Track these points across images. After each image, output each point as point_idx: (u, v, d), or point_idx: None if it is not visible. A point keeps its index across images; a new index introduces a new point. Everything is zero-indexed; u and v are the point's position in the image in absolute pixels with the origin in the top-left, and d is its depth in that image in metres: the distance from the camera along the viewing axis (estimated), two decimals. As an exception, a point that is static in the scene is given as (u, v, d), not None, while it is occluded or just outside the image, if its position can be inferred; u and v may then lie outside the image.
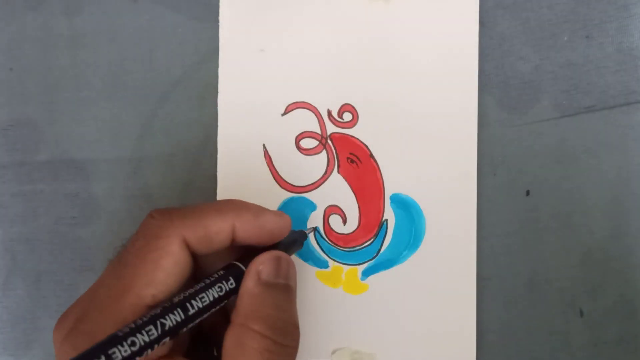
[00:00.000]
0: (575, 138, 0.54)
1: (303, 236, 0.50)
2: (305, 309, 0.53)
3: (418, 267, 0.52)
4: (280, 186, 0.53)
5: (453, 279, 0.53)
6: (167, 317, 0.38)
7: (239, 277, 0.42)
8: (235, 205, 0.44)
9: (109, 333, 0.36)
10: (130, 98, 0.53)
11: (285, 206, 0.53)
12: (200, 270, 0.44)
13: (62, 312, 0.50)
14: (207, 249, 0.42)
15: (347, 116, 0.53)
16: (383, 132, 0.53)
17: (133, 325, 0.37)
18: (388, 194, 0.53)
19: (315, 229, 0.53)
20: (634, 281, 0.54)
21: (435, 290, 0.53)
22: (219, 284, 0.41)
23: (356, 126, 0.53)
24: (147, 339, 0.37)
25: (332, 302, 0.53)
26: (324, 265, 0.53)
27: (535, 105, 0.53)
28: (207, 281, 0.41)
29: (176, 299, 0.39)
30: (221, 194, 0.52)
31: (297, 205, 0.53)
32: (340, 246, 0.53)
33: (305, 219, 0.53)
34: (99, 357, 0.34)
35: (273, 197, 0.53)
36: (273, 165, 0.53)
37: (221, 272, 0.42)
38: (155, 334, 0.37)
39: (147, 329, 0.37)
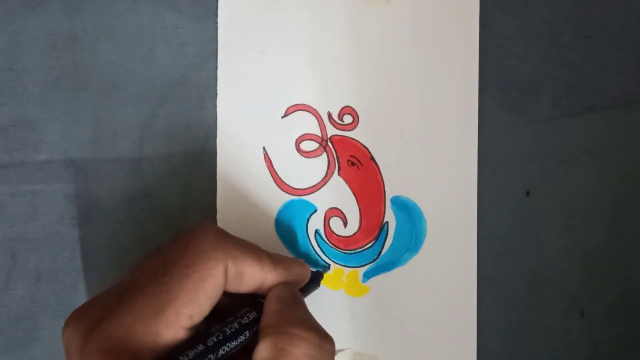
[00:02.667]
0: (575, 138, 0.54)
1: (320, 276, 0.51)
2: (307, 312, 0.53)
3: (419, 269, 0.53)
4: (281, 189, 0.53)
5: (454, 280, 0.53)
6: (217, 350, 0.40)
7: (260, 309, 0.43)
8: (272, 258, 0.44)
9: (141, 344, 0.37)
10: (130, 98, 0.53)
11: (285, 209, 0.53)
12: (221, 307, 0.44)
13: (62, 312, 0.51)
14: (235, 288, 0.43)
15: (348, 118, 0.53)
16: (383, 135, 0.53)
17: (193, 355, 0.38)
18: (389, 196, 0.53)
19: (328, 267, 0.53)
20: (634, 281, 0.54)
21: (436, 292, 0.53)
22: (244, 317, 0.42)
23: (357, 128, 0.53)
24: None
25: (334, 304, 0.53)
26: (325, 267, 0.53)
27: (535, 105, 0.53)
28: (240, 316, 0.42)
29: (220, 336, 0.41)
30: (221, 197, 0.52)
31: (297, 207, 0.53)
32: (341, 248, 0.53)
33: (305, 222, 0.53)
34: None
35: (273, 200, 0.53)
36: (273, 168, 0.53)
37: (247, 307, 0.43)
38: None
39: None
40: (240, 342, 0.41)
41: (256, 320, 0.42)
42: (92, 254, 0.53)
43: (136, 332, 0.38)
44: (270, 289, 0.44)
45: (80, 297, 0.53)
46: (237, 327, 0.41)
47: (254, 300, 0.44)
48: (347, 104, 0.53)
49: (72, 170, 0.53)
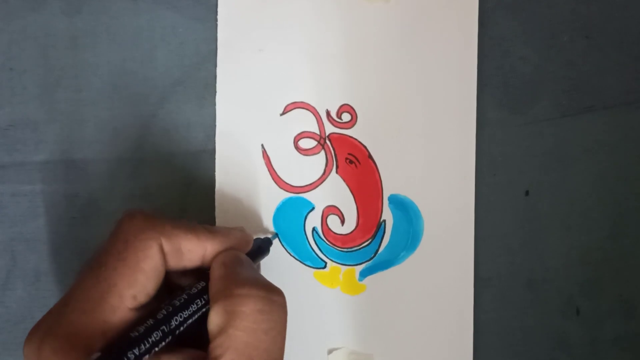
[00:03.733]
0: (575, 138, 0.53)
1: (267, 243, 0.51)
2: (303, 309, 0.53)
3: (416, 268, 0.53)
4: (279, 186, 0.53)
5: (451, 279, 0.53)
6: (169, 322, 0.40)
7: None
8: (208, 230, 0.45)
9: (92, 334, 0.38)
10: (130, 98, 0.53)
11: (283, 206, 0.53)
12: (170, 285, 0.45)
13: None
14: (176, 263, 0.43)
15: (346, 116, 0.53)
16: (382, 133, 0.53)
17: (143, 329, 0.38)
18: (386, 194, 0.53)
19: (276, 235, 0.53)
20: (632, 281, 0.54)
21: (432, 290, 0.53)
22: (192, 288, 0.43)
23: (355, 126, 0.53)
24: (154, 340, 0.39)
25: (330, 303, 0.53)
26: (322, 265, 0.53)
27: (535, 105, 0.53)
28: (188, 287, 0.43)
29: (170, 308, 0.41)
30: (220, 194, 0.53)
31: (295, 205, 0.53)
32: (338, 246, 0.53)
33: (303, 219, 0.53)
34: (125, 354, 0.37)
35: (271, 197, 0.53)
36: (271, 165, 0.53)
37: (202, 282, 0.43)
38: (159, 337, 0.39)
39: (154, 333, 0.39)
40: (193, 311, 0.41)
41: (205, 290, 0.43)
42: (92, 254, 0.53)
43: (83, 324, 0.39)
44: (214, 258, 0.44)
45: (80, 297, 0.53)
46: (185, 297, 0.41)
47: (201, 272, 0.44)
48: (346, 102, 0.53)
49: (72, 171, 0.53)
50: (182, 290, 0.42)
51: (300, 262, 0.53)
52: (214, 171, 0.53)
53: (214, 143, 0.53)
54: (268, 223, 0.53)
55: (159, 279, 0.42)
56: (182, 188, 0.53)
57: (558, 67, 0.54)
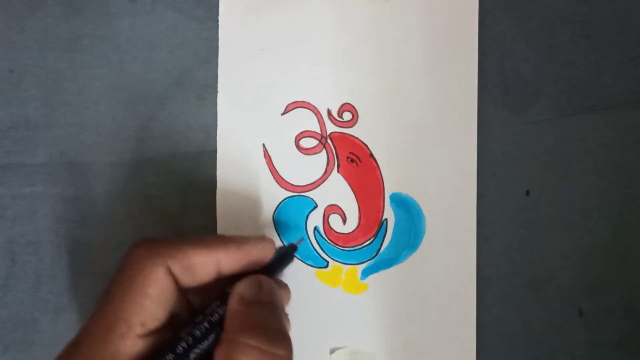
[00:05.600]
0: (575, 138, 0.54)
1: (293, 249, 0.50)
2: (305, 309, 0.53)
3: (418, 266, 0.52)
4: (280, 186, 0.53)
5: (453, 278, 0.53)
6: (188, 356, 0.40)
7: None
8: (219, 239, 0.45)
9: None
10: (130, 99, 0.53)
11: (284, 206, 0.53)
12: (192, 304, 0.45)
13: (61, 314, 0.51)
14: (192, 280, 0.43)
15: (347, 115, 0.53)
16: (383, 132, 0.53)
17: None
18: (388, 193, 0.53)
19: (302, 240, 0.53)
20: (633, 281, 0.54)
21: (435, 289, 0.53)
22: (214, 314, 0.42)
23: (356, 125, 0.53)
24: None
25: (332, 302, 0.52)
26: (324, 264, 0.53)
27: (535, 105, 0.53)
28: (210, 313, 0.42)
29: (190, 339, 0.41)
30: (221, 193, 0.53)
31: (296, 204, 0.53)
32: (340, 246, 0.53)
33: (304, 219, 0.53)
34: None
35: (273, 197, 0.53)
36: (273, 165, 0.53)
37: (217, 302, 0.43)
38: None
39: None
40: (213, 339, 0.41)
41: (224, 317, 0.43)
42: (91, 256, 0.53)
43: (94, 354, 0.39)
44: (232, 274, 0.44)
45: (80, 299, 0.53)
46: (207, 326, 0.41)
47: (223, 292, 0.44)
48: (347, 101, 0.53)
49: (71, 173, 0.53)
50: (203, 314, 0.42)
51: (302, 261, 0.53)
52: (215, 172, 0.53)
53: (214, 144, 0.53)
54: (269, 223, 0.53)
55: (169, 303, 0.42)
56: (183, 189, 0.53)
57: (558, 67, 0.54)
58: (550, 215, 0.53)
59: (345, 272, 0.53)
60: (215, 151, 0.53)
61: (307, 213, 0.53)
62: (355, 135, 0.53)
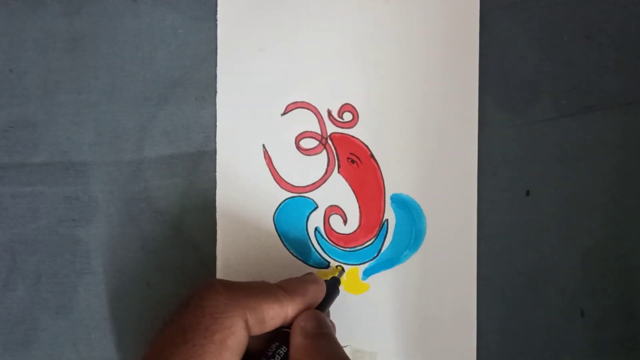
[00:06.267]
0: (575, 138, 0.54)
1: (337, 282, 0.51)
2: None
3: (419, 266, 0.53)
4: (280, 186, 0.53)
5: (454, 278, 0.53)
6: None
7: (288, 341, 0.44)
8: (287, 293, 0.45)
9: None
10: (130, 100, 0.53)
11: (285, 207, 0.53)
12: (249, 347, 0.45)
13: (61, 314, 0.51)
14: (260, 331, 0.44)
15: (347, 116, 0.53)
16: (383, 132, 0.53)
17: None
18: (388, 193, 0.53)
19: (343, 271, 0.53)
20: (634, 281, 0.54)
21: (436, 289, 0.53)
22: (276, 355, 0.43)
23: (356, 126, 0.53)
24: None
25: (334, 302, 0.52)
26: (325, 265, 0.53)
27: (535, 105, 0.53)
28: (272, 355, 0.43)
29: None
30: (221, 194, 0.53)
31: (297, 205, 0.53)
32: (341, 246, 0.53)
33: (305, 220, 0.53)
34: None
35: (273, 198, 0.53)
36: (273, 166, 0.53)
37: (277, 343, 0.44)
38: None
39: None
40: None
41: (287, 355, 0.43)
42: (92, 256, 0.53)
43: None
44: (293, 319, 0.45)
45: (80, 299, 0.53)
46: None
47: (280, 332, 0.45)
48: (347, 102, 0.53)
49: (72, 172, 0.53)
50: (265, 356, 0.43)
51: (303, 262, 0.53)
52: (214, 172, 0.53)
53: (214, 144, 0.53)
54: (270, 224, 0.53)
55: (242, 353, 0.42)
56: (183, 189, 0.53)
57: (558, 67, 0.54)
58: (550, 215, 0.54)
59: (347, 272, 0.53)
60: (215, 151, 0.53)
61: (307, 214, 0.53)
62: (356, 136, 0.53)
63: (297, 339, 0.43)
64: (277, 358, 0.43)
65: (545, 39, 0.54)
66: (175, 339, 0.42)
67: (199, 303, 0.43)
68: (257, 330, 0.43)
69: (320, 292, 0.47)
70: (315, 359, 0.42)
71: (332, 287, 0.50)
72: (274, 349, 0.43)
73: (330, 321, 0.49)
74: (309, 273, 0.50)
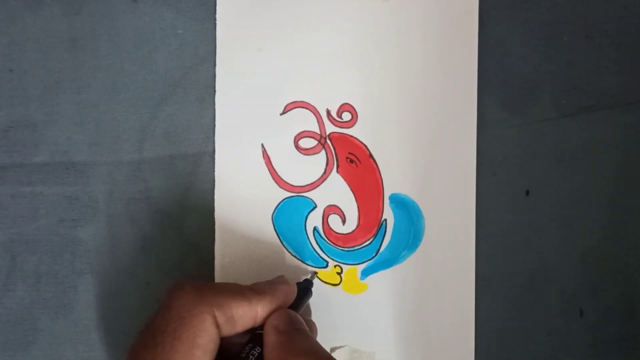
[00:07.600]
0: (575, 138, 0.54)
1: (309, 284, 0.51)
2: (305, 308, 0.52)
3: (417, 266, 0.53)
4: (279, 186, 0.53)
5: (452, 278, 0.53)
6: None
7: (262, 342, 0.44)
8: (255, 291, 0.45)
9: None
10: (130, 100, 0.53)
11: (284, 206, 0.53)
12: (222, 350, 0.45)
13: (61, 313, 0.51)
14: (230, 331, 0.44)
15: (346, 116, 0.53)
16: (382, 132, 0.53)
17: None
18: (387, 193, 0.53)
19: (315, 274, 0.53)
20: (634, 281, 0.54)
21: (434, 289, 0.53)
22: (249, 357, 0.43)
23: (355, 126, 0.53)
24: None
25: (332, 301, 0.53)
26: (324, 265, 0.53)
27: (535, 105, 0.53)
28: (245, 356, 0.43)
29: None
30: (219, 194, 0.53)
31: (296, 205, 0.53)
32: (340, 246, 0.53)
33: (304, 219, 0.53)
34: None
35: (272, 197, 0.53)
36: (272, 165, 0.53)
37: (250, 344, 0.44)
38: None
39: None
40: None
41: (261, 356, 0.43)
42: (91, 256, 0.53)
43: None
44: (265, 319, 0.45)
45: (80, 299, 0.53)
46: None
47: (254, 334, 0.45)
48: (346, 101, 0.53)
49: (72, 172, 0.53)
50: (239, 357, 0.43)
51: (302, 261, 0.53)
52: (214, 173, 0.53)
53: (214, 144, 0.53)
54: (268, 223, 0.53)
55: (214, 351, 0.42)
56: (182, 189, 0.53)
57: (558, 67, 0.54)
58: (550, 215, 0.53)
59: (345, 272, 0.53)
60: (214, 151, 0.53)
61: (306, 213, 0.53)
62: (355, 136, 0.53)
63: (270, 337, 0.43)
64: (251, 359, 0.43)
65: (545, 39, 0.54)
66: (148, 343, 0.42)
67: (167, 304, 0.43)
68: (227, 330, 0.43)
69: (291, 293, 0.48)
70: (290, 354, 0.41)
71: (304, 289, 0.50)
72: (248, 350, 0.44)
73: (311, 320, 0.50)
74: (279, 275, 0.50)
